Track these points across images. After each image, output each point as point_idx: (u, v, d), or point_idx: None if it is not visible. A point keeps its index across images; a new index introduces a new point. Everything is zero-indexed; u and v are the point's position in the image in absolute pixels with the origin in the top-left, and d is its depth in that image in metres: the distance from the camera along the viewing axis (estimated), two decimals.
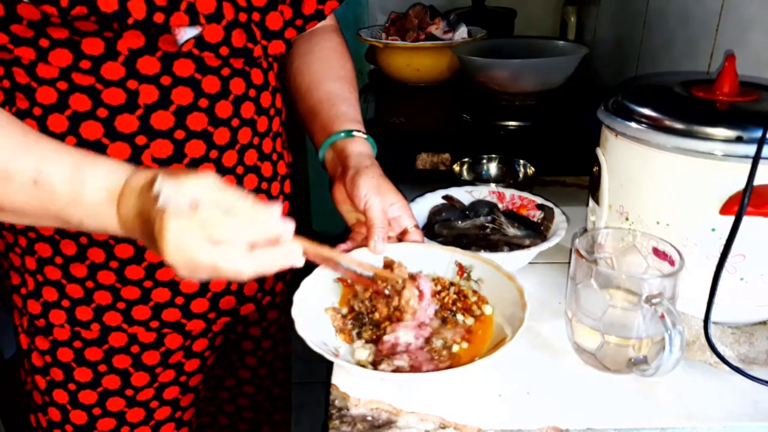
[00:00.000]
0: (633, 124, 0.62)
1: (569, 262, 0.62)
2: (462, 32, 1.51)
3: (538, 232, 0.79)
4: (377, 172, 0.69)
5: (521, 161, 0.99)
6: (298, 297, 0.62)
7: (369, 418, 0.56)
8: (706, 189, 0.59)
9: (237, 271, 0.48)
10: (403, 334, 0.61)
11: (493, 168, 1.02)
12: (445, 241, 0.76)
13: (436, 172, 1.17)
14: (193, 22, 0.58)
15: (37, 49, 0.57)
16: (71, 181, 0.51)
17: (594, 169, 0.71)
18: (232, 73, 0.66)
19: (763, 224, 0.57)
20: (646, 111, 0.62)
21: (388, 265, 0.66)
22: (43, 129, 0.60)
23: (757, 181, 0.55)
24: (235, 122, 0.67)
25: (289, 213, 0.81)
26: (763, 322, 0.65)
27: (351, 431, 0.55)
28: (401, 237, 0.71)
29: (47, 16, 0.53)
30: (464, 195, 0.87)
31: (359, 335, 0.63)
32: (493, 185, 0.88)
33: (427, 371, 0.58)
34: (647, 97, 0.65)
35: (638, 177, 0.64)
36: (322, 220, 2.28)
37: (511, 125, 1.26)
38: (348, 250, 0.69)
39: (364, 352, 0.60)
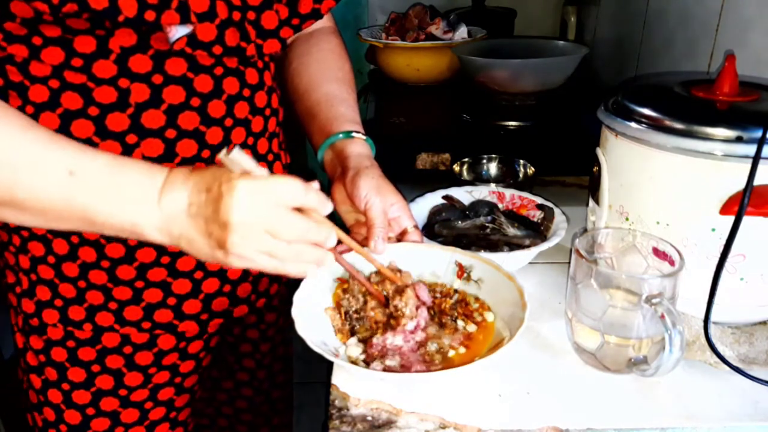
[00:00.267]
0: (633, 124, 0.62)
1: (569, 262, 0.62)
2: (462, 32, 1.51)
3: (538, 232, 0.79)
4: (377, 173, 0.69)
5: (521, 161, 0.99)
6: (298, 297, 0.62)
7: (369, 418, 0.56)
8: (706, 189, 0.59)
9: (292, 236, 0.52)
10: (391, 338, 0.61)
11: (493, 168, 1.02)
12: (445, 241, 0.76)
13: (436, 172, 1.17)
14: (185, 20, 0.58)
15: (30, 47, 0.57)
16: (110, 172, 0.53)
17: (594, 169, 0.71)
18: (225, 72, 0.65)
19: (763, 224, 0.57)
20: (646, 111, 0.62)
21: (394, 271, 0.66)
22: None
23: (757, 181, 0.55)
24: (228, 122, 0.67)
25: None
26: (763, 322, 0.65)
27: (351, 431, 0.55)
28: (400, 237, 0.71)
29: (40, 14, 0.53)
30: (464, 195, 0.87)
31: (352, 332, 0.63)
32: (493, 185, 0.88)
33: (417, 372, 0.58)
34: (647, 97, 0.65)
35: (638, 177, 0.64)
36: None
37: (511, 125, 1.26)
38: (347, 251, 0.68)
39: (357, 350, 0.61)
